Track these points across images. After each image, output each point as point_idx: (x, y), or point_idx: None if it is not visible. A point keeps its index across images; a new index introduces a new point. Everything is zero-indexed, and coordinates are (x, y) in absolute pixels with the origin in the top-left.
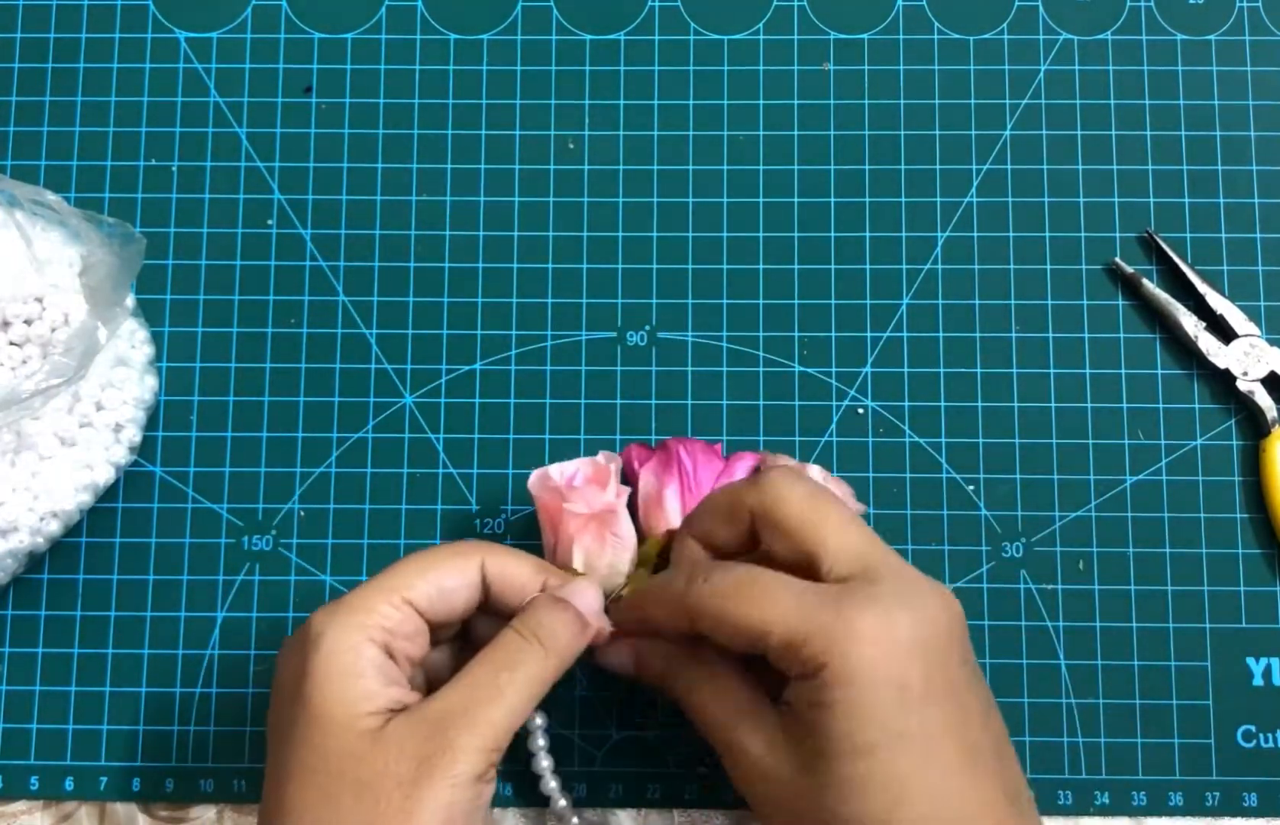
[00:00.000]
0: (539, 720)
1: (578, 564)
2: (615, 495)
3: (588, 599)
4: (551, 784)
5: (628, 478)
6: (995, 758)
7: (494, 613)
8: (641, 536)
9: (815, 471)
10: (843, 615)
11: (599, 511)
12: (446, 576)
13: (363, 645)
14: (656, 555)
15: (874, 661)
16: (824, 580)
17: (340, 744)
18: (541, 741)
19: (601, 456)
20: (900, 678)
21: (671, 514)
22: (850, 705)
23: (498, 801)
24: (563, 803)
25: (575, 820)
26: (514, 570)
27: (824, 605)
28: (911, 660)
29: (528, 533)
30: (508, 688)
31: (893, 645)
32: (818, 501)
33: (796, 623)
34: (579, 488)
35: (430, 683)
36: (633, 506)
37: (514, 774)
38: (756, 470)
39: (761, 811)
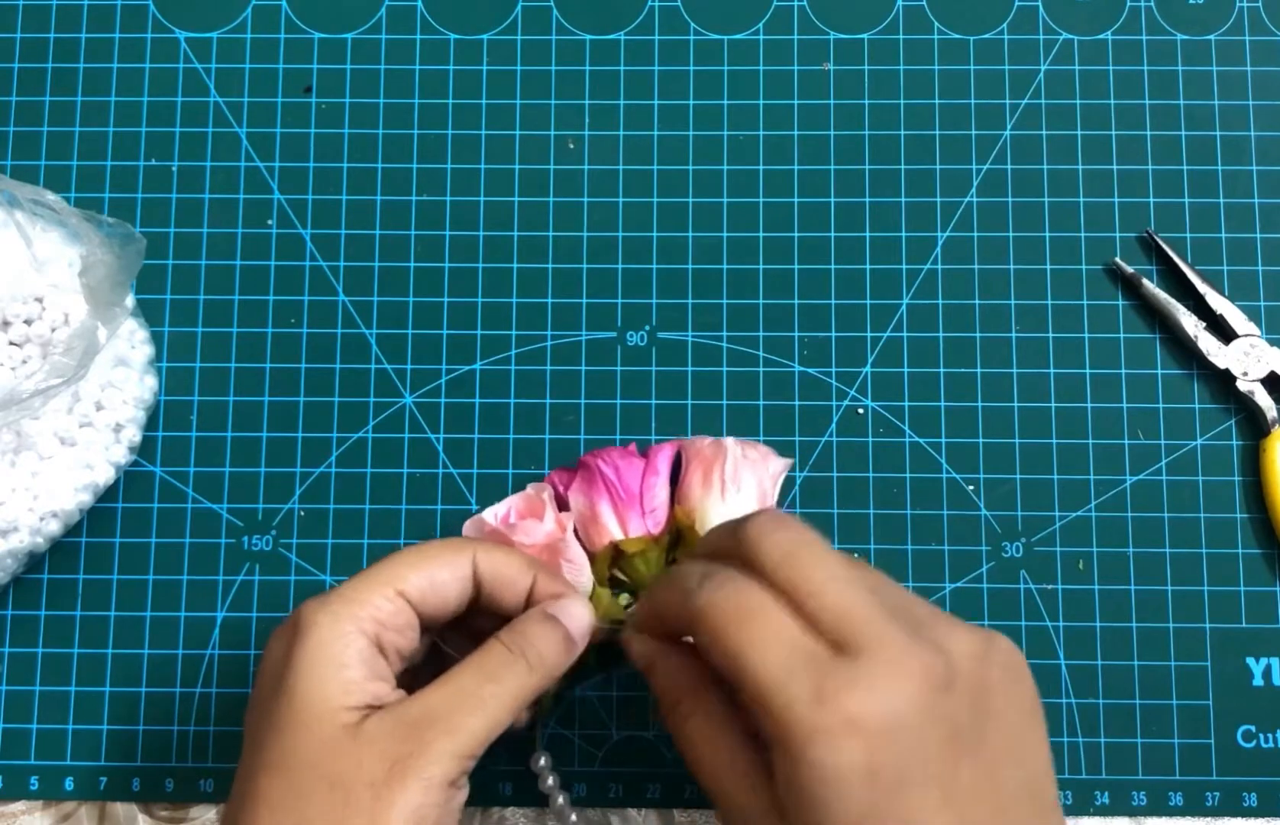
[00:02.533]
0: (544, 761)
1: None
2: (555, 523)
3: (577, 616)
4: (560, 800)
5: (560, 503)
6: None
7: (485, 610)
8: (590, 556)
9: (731, 444)
10: (815, 692)
11: (547, 541)
12: (439, 570)
13: (352, 635)
14: (609, 568)
15: (837, 750)
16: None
17: (317, 736)
18: (550, 780)
19: (530, 488)
20: (866, 765)
21: (610, 527)
22: (816, 795)
23: (498, 801)
24: (561, 800)
25: (574, 818)
26: (505, 567)
27: (805, 675)
28: (880, 746)
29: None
30: (490, 699)
31: (856, 731)
32: (799, 556)
33: (772, 684)
34: (518, 524)
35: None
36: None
37: (514, 774)
38: (677, 458)
39: None
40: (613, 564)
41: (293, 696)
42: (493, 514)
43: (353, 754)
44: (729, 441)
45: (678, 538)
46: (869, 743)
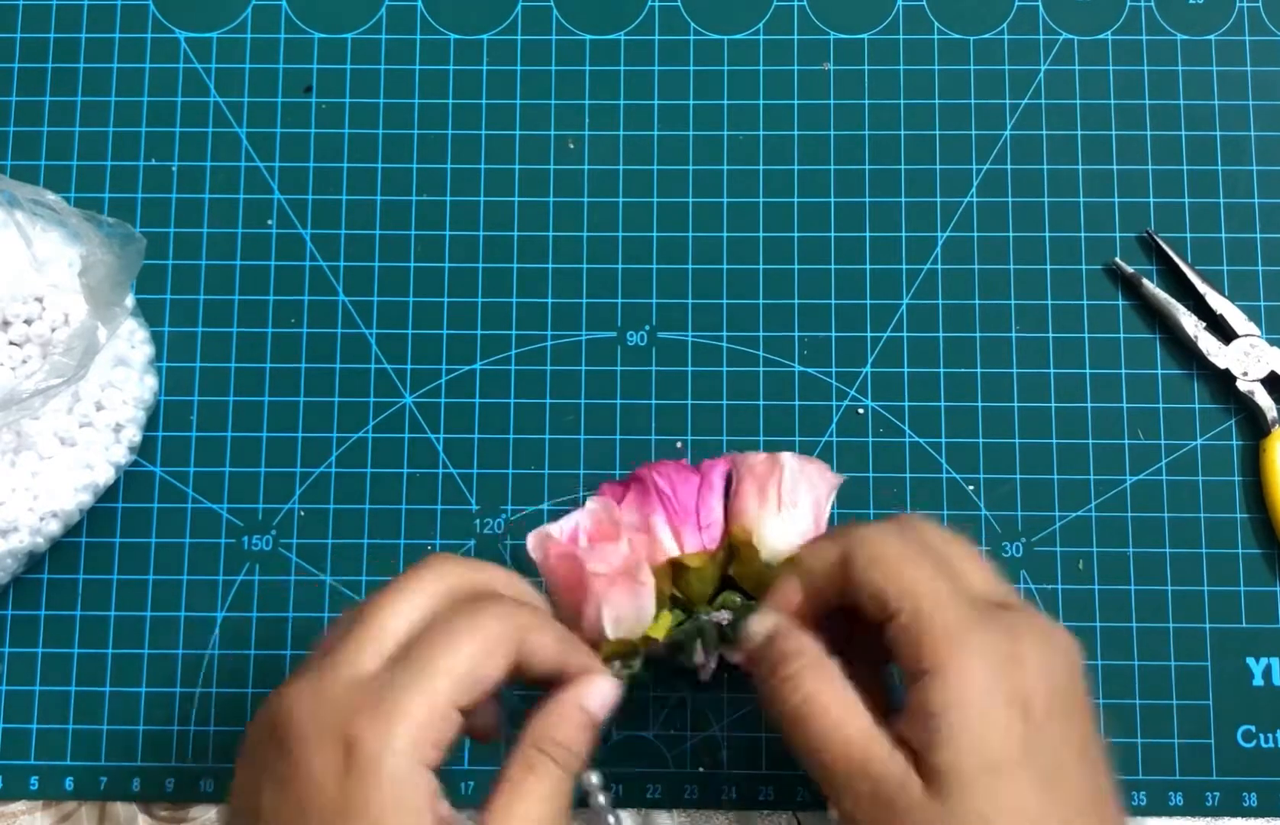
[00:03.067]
0: (595, 778)
1: (608, 623)
2: (630, 547)
3: (601, 695)
4: (593, 779)
5: None
6: (1115, 809)
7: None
8: None
9: (789, 459)
10: (969, 624)
11: (625, 567)
12: (492, 674)
13: (423, 776)
14: (668, 587)
15: (996, 677)
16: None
17: None
18: (602, 799)
19: (595, 504)
20: (1023, 699)
21: (666, 543)
22: (975, 718)
23: None
24: (602, 800)
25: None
26: (543, 657)
27: (971, 609)
28: (1036, 682)
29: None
30: (552, 814)
31: (1015, 663)
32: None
33: (940, 607)
34: (593, 548)
35: None
36: None
37: None
38: (729, 477)
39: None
40: (672, 581)
41: None
42: (559, 531)
43: None
44: (786, 456)
45: (731, 554)
46: (1027, 681)
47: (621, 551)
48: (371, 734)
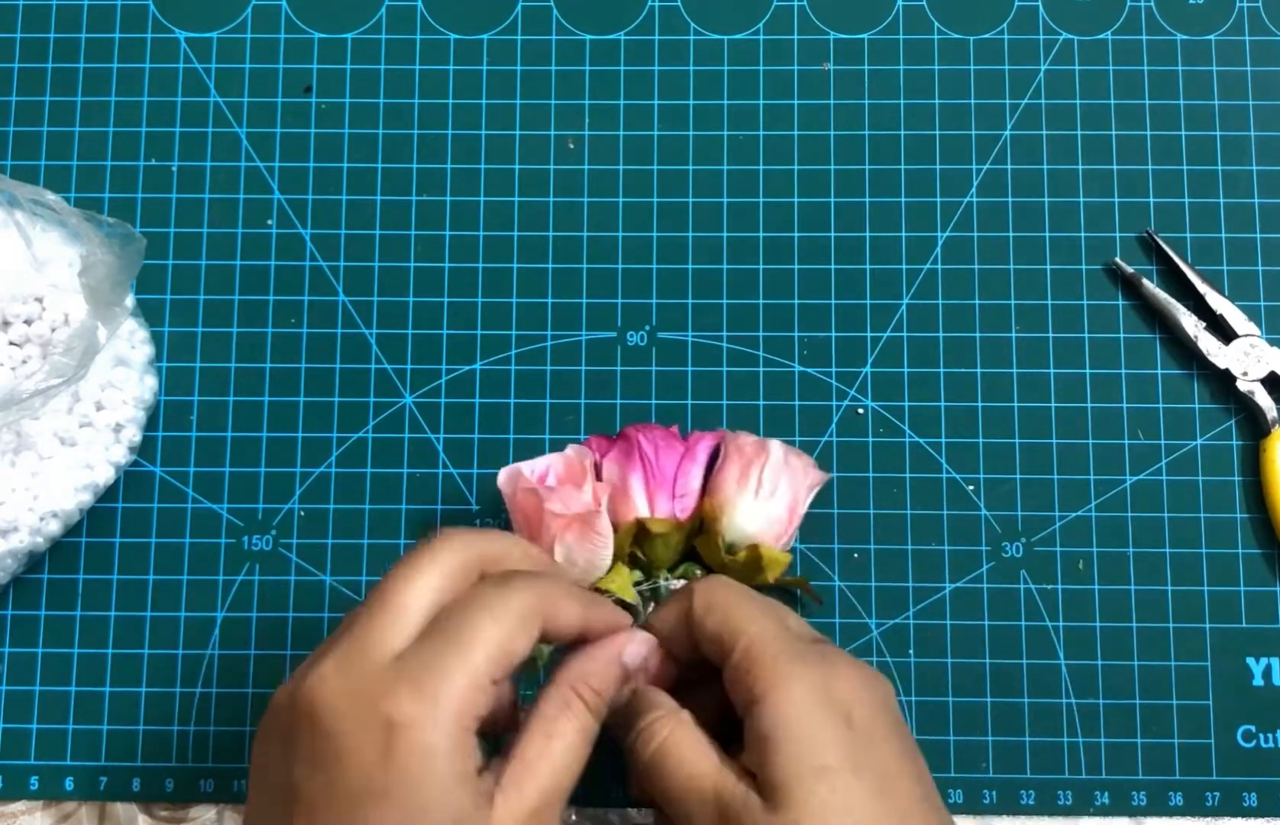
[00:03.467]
0: None
1: (559, 559)
2: (593, 495)
3: (638, 650)
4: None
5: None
6: (944, 816)
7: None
8: (613, 527)
9: (776, 447)
10: (791, 656)
11: (582, 513)
12: (523, 646)
13: (465, 738)
14: (629, 546)
15: (818, 695)
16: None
17: None
18: None
19: (571, 451)
20: (845, 712)
21: (638, 503)
22: (802, 729)
23: None
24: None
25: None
26: (567, 621)
27: (793, 646)
28: (855, 700)
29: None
30: (583, 758)
31: (835, 683)
32: (737, 611)
33: (768, 646)
34: (556, 488)
35: None
36: None
37: None
38: (715, 452)
39: None
40: (635, 541)
41: (411, 815)
42: (530, 469)
43: None
44: (774, 443)
45: (699, 528)
46: (843, 693)
47: (582, 498)
48: (416, 711)
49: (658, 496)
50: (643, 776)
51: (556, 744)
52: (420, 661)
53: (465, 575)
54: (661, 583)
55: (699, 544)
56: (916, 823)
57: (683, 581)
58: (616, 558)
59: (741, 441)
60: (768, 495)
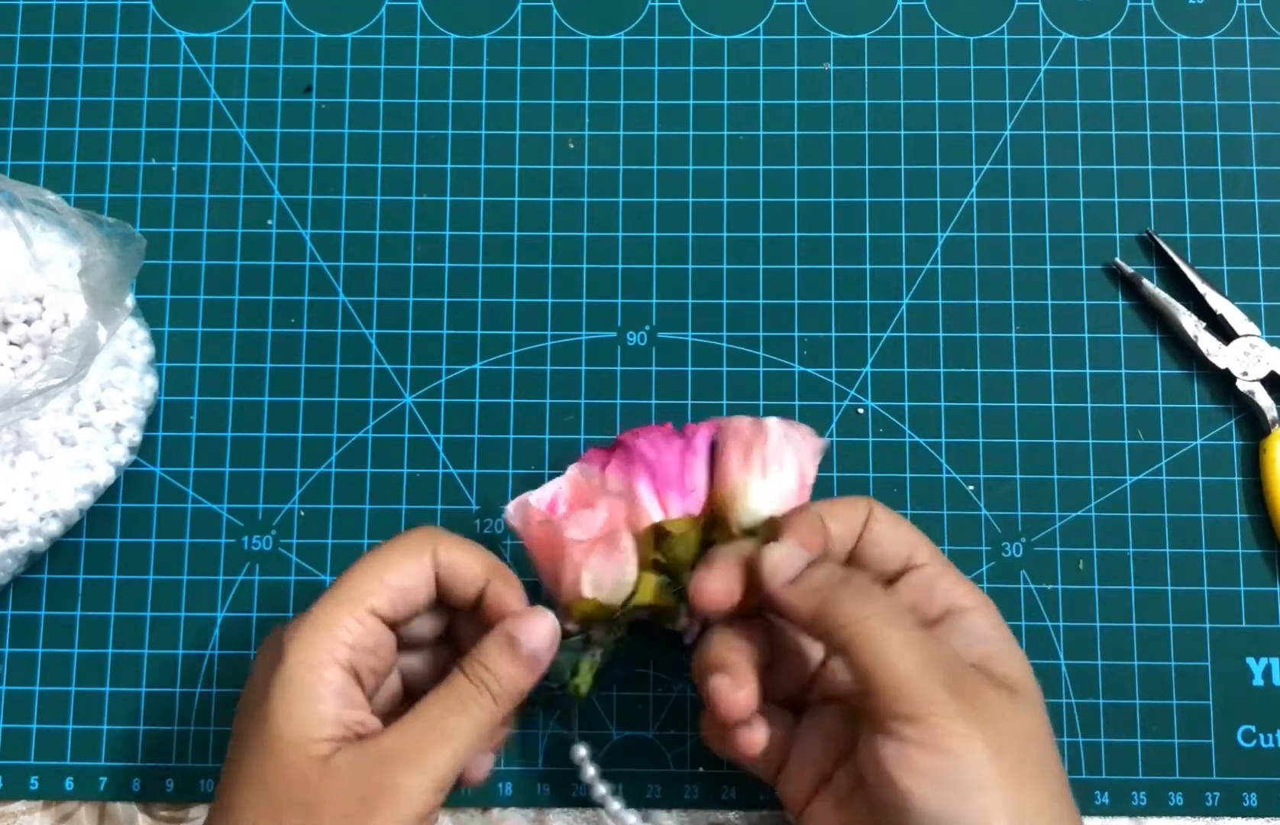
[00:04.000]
0: (583, 751)
1: (587, 588)
2: (608, 513)
3: (539, 633)
4: (601, 790)
5: None
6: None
7: (445, 604)
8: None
9: (774, 423)
10: (970, 690)
11: (605, 533)
12: (405, 577)
13: (327, 666)
14: (652, 552)
15: (987, 742)
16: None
17: (290, 764)
18: (591, 771)
19: (576, 471)
20: (1012, 765)
21: (650, 508)
22: (945, 778)
23: (497, 801)
24: (603, 790)
25: (617, 807)
26: (463, 565)
27: (940, 672)
28: (1025, 750)
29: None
30: (455, 733)
31: (1011, 731)
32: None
33: (909, 675)
34: (571, 515)
35: (408, 688)
36: None
37: (513, 775)
38: (714, 442)
39: None
40: (655, 546)
41: (269, 724)
42: (538, 499)
43: (325, 785)
44: (771, 421)
45: (713, 520)
46: (994, 746)
47: (599, 518)
48: (289, 633)
49: (668, 497)
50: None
51: (447, 721)
52: (313, 606)
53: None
54: (687, 582)
55: (715, 535)
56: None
57: None
58: (643, 568)
59: (738, 424)
60: (776, 472)
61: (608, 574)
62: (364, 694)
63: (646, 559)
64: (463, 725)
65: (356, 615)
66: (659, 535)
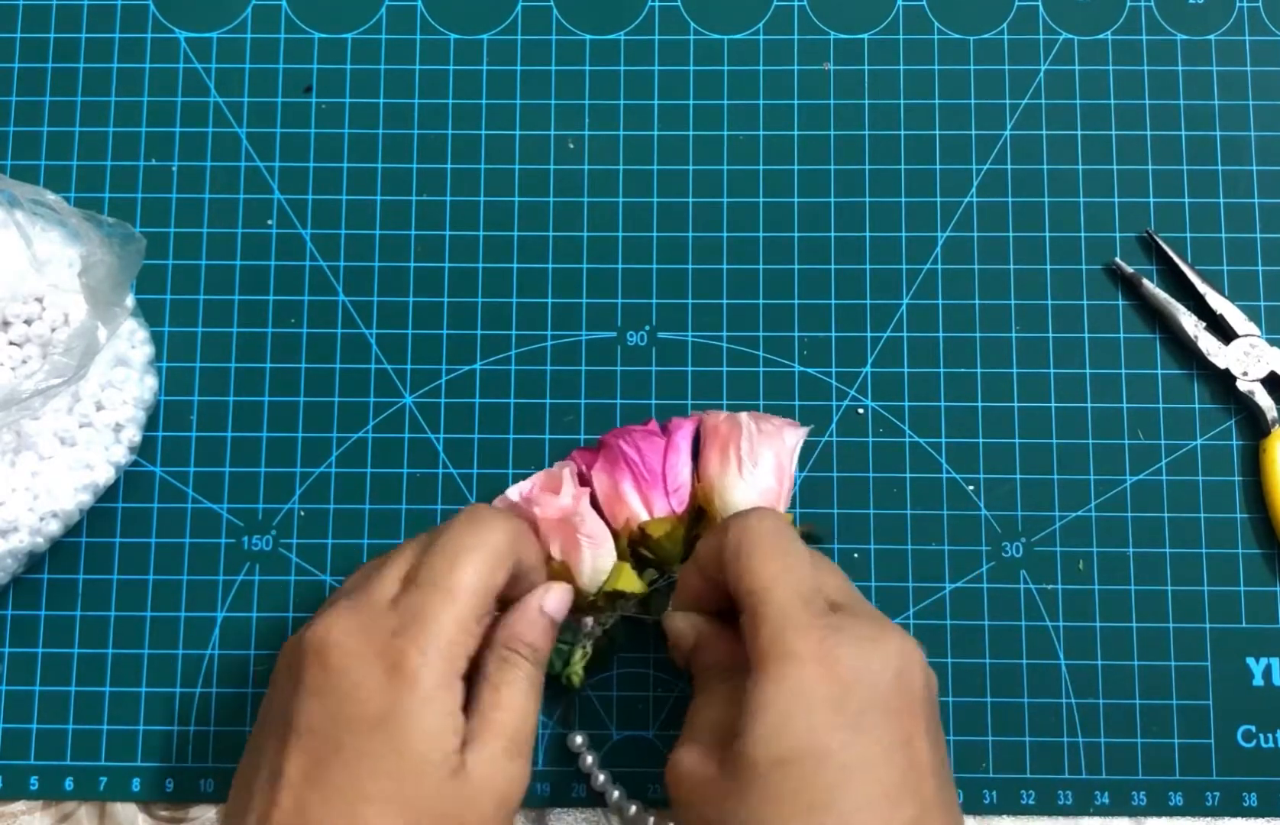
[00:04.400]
0: (580, 739)
1: (556, 552)
2: (572, 497)
3: (558, 599)
4: (600, 778)
5: (584, 481)
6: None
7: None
8: (615, 533)
9: (746, 419)
10: (802, 627)
11: (562, 515)
12: (500, 581)
13: (455, 682)
14: (629, 547)
15: (812, 676)
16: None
17: (432, 780)
18: (590, 758)
19: (556, 466)
20: (839, 695)
21: (634, 505)
22: (780, 714)
23: (535, 801)
24: (602, 778)
25: (616, 795)
26: (530, 557)
27: (787, 614)
28: (856, 681)
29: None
30: (532, 710)
31: (838, 662)
32: (773, 543)
33: (782, 605)
34: (536, 496)
35: None
36: (597, 507)
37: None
38: (697, 435)
39: (683, 816)
40: (637, 541)
41: (408, 743)
42: (517, 492)
43: (462, 795)
44: (744, 417)
45: (699, 515)
46: (847, 682)
47: (561, 502)
48: (414, 653)
49: (652, 495)
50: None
51: (505, 694)
52: (412, 608)
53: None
54: (676, 577)
55: (702, 529)
56: (875, 814)
57: None
58: (622, 559)
59: (715, 421)
60: (750, 468)
61: (576, 556)
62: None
63: (625, 553)
64: (537, 705)
65: (474, 633)
66: (645, 534)
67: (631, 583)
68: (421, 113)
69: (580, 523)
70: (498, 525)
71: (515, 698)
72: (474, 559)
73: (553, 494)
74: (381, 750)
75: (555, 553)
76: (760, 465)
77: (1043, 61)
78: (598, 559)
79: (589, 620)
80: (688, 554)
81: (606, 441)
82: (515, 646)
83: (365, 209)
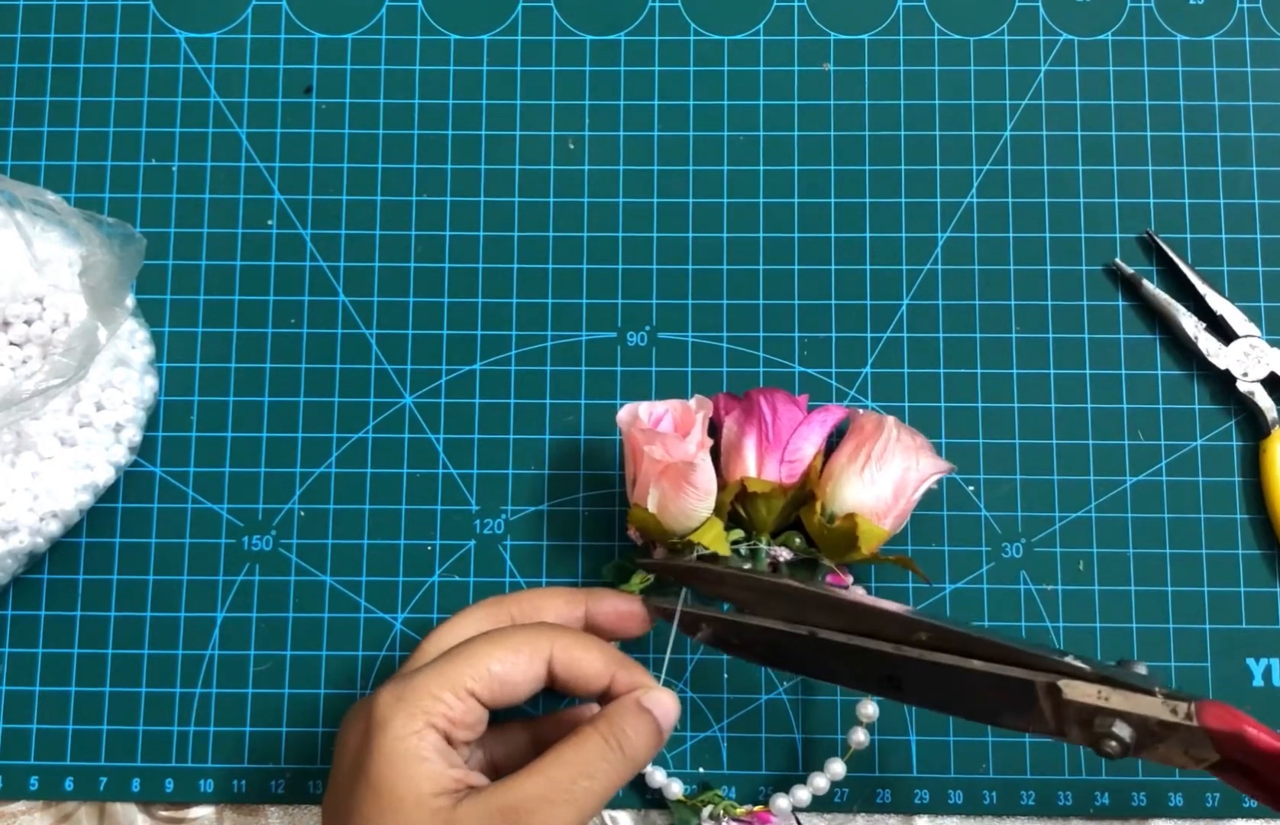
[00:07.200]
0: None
1: (651, 505)
2: (696, 447)
3: (667, 708)
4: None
5: (716, 425)
6: None
7: (558, 692)
8: (722, 483)
9: (892, 423)
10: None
11: (676, 463)
12: (513, 669)
13: (425, 732)
14: (731, 503)
15: None
16: None
17: (417, 822)
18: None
19: (694, 400)
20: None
21: (749, 463)
22: None
23: None
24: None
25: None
26: (584, 663)
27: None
28: None
29: (528, 533)
30: (585, 797)
31: None
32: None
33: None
34: (659, 434)
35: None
36: (716, 459)
37: None
38: (838, 427)
39: None
40: (738, 499)
41: (378, 787)
42: (649, 411)
43: None
44: (890, 420)
45: (805, 499)
46: None
47: (684, 449)
48: (385, 702)
49: (767, 458)
50: None
51: (585, 785)
52: (410, 674)
53: (499, 623)
54: (762, 545)
55: (804, 512)
56: None
57: (782, 549)
58: (717, 513)
59: (864, 418)
60: (875, 470)
61: (673, 501)
62: (460, 758)
63: (724, 508)
64: (591, 788)
65: (457, 693)
66: (743, 491)
67: (717, 541)
68: (421, 113)
69: (693, 472)
70: (538, 630)
71: (585, 786)
72: (486, 638)
73: (679, 437)
74: (365, 799)
75: (653, 492)
76: (885, 472)
77: (1043, 62)
78: (692, 509)
79: (785, 550)
80: (780, 529)
81: (750, 394)
82: (615, 735)
83: (365, 209)
